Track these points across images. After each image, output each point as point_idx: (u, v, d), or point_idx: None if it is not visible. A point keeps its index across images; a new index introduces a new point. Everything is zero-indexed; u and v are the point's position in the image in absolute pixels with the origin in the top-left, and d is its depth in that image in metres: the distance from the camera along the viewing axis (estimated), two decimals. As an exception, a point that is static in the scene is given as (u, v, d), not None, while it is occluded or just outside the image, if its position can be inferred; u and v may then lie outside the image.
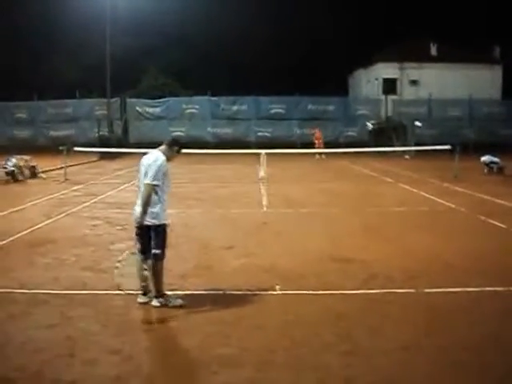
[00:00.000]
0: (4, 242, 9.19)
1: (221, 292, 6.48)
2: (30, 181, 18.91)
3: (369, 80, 46.50)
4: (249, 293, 6.47)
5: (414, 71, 44.24)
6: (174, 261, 7.80)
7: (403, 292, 6.51)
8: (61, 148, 20.42)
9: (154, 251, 5.93)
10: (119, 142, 32.58)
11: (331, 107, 39.46)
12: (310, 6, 51.77)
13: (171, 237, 9.47)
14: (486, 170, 20.68)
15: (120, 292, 6.41)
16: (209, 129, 38.09)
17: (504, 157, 21.90)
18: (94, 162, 28.05)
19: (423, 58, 43.72)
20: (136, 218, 5.98)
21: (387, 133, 35.86)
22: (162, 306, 5.94)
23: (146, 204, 5.83)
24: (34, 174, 19.69)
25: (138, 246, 6.06)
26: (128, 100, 38.46)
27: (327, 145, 31.35)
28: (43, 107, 38.57)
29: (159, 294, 5.99)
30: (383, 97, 39.46)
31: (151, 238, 5.97)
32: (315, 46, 51.11)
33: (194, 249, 8.56)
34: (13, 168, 18.61)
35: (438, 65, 43.26)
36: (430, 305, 6.10)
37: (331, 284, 6.82)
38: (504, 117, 38.36)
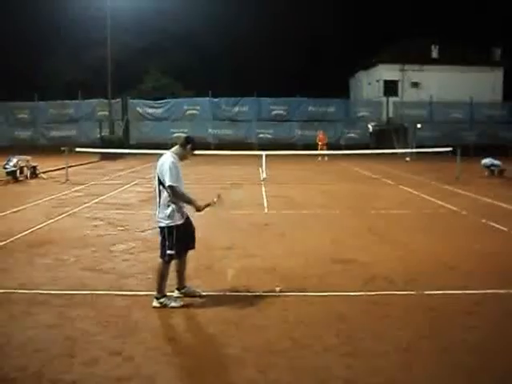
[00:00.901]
0: (4, 242, 9.18)
1: (222, 293, 6.47)
2: (30, 181, 18.93)
3: (370, 82, 46.53)
4: (250, 294, 6.47)
5: (415, 73, 44.29)
6: (174, 261, 7.79)
7: (404, 294, 6.51)
8: (62, 149, 20.42)
9: (168, 252, 5.97)
10: (120, 142, 32.59)
11: (332, 109, 39.46)
12: (311, 8, 51.87)
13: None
14: (486, 173, 20.67)
15: (121, 293, 6.42)
16: (210, 130, 38.09)
17: (505, 159, 21.93)
18: (95, 162, 28.06)
19: (424, 60, 43.78)
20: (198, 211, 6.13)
21: (388, 135, 35.89)
22: (162, 306, 5.94)
23: (182, 198, 5.97)
24: (34, 174, 19.70)
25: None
26: (129, 101, 38.48)
27: (328, 147, 31.34)
28: (44, 108, 38.59)
29: (160, 295, 5.99)
30: (384, 99, 39.48)
31: (163, 238, 6.01)
32: (316, 48, 51.22)
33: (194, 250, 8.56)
34: (14, 168, 18.62)
35: (439, 67, 43.31)
36: (431, 307, 6.09)
37: (332, 285, 6.81)
38: (505, 119, 38.36)
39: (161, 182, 5.94)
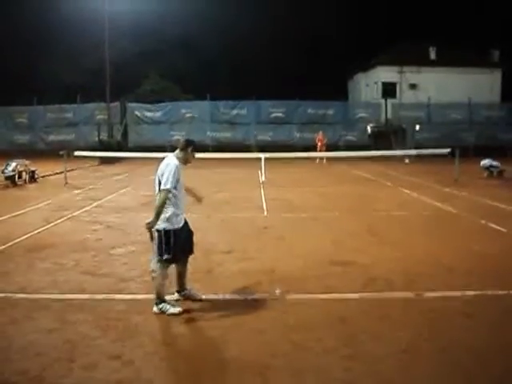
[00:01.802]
0: (4, 246, 9.19)
1: (221, 296, 6.47)
2: (29, 185, 18.94)
3: (368, 84, 46.59)
4: (249, 297, 6.47)
5: (413, 75, 44.34)
6: (173, 265, 7.80)
7: (403, 295, 6.52)
8: (61, 152, 20.43)
9: (166, 257, 5.91)
10: (119, 146, 32.60)
11: (331, 111, 39.47)
12: (310, 10, 51.93)
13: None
14: (485, 174, 20.69)
15: (120, 296, 6.42)
16: (208, 133, 38.09)
17: (504, 160, 21.95)
18: (94, 166, 28.08)
19: (422, 61, 43.85)
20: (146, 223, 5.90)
21: (387, 136, 35.91)
22: (161, 313, 5.94)
23: (159, 208, 5.79)
24: (33, 178, 19.71)
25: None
26: (128, 104, 38.49)
27: (327, 148, 31.35)
28: (43, 112, 38.55)
29: (159, 300, 5.99)
30: (383, 100, 39.53)
31: (159, 242, 5.93)
32: (315, 50, 51.29)
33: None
34: (12, 172, 18.62)
35: (437, 69, 43.37)
36: (430, 308, 6.10)
37: (332, 287, 6.81)
38: (503, 120, 38.37)
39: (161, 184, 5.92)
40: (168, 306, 5.96)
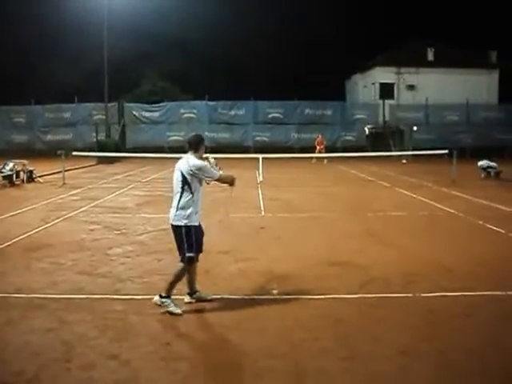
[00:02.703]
0: (1, 246, 9.16)
1: (219, 296, 6.46)
2: (27, 185, 18.90)
3: (366, 85, 46.65)
4: (247, 297, 6.46)
5: (410, 76, 44.44)
6: (172, 265, 7.78)
7: (402, 296, 6.50)
8: (58, 152, 20.39)
9: (188, 255, 5.95)
10: (117, 146, 32.57)
11: (329, 112, 39.54)
12: (309, 12, 52.01)
13: (169, 241, 9.48)
14: (483, 175, 20.71)
15: (118, 297, 6.41)
16: (206, 133, 38.04)
17: (501, 161, 21.98)
18: (92, 166, 28.04)
19: (420, 62, 43.94)
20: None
21: (384, 137, 35.95)
22: (161, 306, 5.91)
23: (226, 179, 6.43)
24: (31, 178, 19.67)
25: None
26: (126, 104, 38.46)
27: (326, 149, 31.37)
28: (41, 112, 38.56)
29: (166, 295, 5.96)
30: (380, 101, 39.58)
31: (181, 239, 5.99)
32: (313, 51, 51.38)
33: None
34: (10, 172, 18.59)
35: (435, 70, 43.46)
36: (429, 309, 6.09)
37: (330, 288, 6.80)
38: (501, 121, 38.49)
39: (186, 183, 5.94)
40: (172, 304, 5.93)
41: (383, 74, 43.90)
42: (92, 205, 14.14)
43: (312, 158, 29.73)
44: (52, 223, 11.41)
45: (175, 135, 37.19)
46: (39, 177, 20.19)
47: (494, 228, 10.75)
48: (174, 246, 9.03)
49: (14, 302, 6.31)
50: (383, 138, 36.30)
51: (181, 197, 5.98)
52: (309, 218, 12.29)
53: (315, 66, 50.64)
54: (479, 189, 17.18)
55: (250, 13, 49.43)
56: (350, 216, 12.49)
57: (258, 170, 20.76)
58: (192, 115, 38.74)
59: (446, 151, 21.48)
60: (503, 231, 10.43)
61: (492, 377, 4.54)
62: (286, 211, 13.16)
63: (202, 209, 6.26)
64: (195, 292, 6.28)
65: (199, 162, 6.00)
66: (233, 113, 39.06)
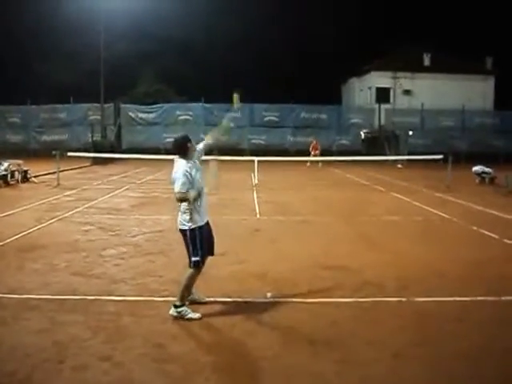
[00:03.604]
0: (-5, 246, 9.14)
1: (212, 299, 6.45)
2: (21, 185, 18.85)
3: (362, 89, 46.76)
4: (240, 300, 6.46)
5: (406, 81, 44.56)
6: (165, 267, 7.80)
7: (395, 300, 6.52)
8: (53, 153, 20.35)
9: (193, 259, 5.94)
10: (112, 147, 32.53)
11: (324, 115, 39.60)
12: (305, 15, 52.09)
13: (163, 243, 9.51)
14: (477, 180, 20.80)
15: (111, 298, 6.40)
16: (202, 135, 37.81)
17: (495, 167, 22.05)
18: (87, 167, 27.98)
19: (416, 67, 44.07)
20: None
21: (380, 142, 36.04)
22: (179, 316, 5.84)
23: (192, 197, 5.81)
24: (26, 178, 19.62)
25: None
26: (122, 105, 38.41)
27: (321, 153, 31.39)
28: (36, 112, 38.46)
29: (180, 303, 5.89)
30: (376, 106, 39.68)
31: (186, 243, 5.99)
32: (309, 55, 51.41)
33: (185, 255, 8.53)
34: (5, 172, 18.54)
35: (431, 75, 43.59)
36: (422, 313, 6.11)
37: (323, 291, 6.81)
38: (496, 127, 38.66)
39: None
40: (188, 311, 5.87)
41: (379, 79, 44.06)
42: (86, 206, 14.12)
43: (307, 161, 29.75)
44: (46, 224, 11.38)
45: (171, 137, 37.04)
46: (34, 177, 20.14)
47: (488, 233, 10.79)
48: (167, 247, 9.16)
49: (6, 303, 6.29)
50: (379, 142, 36.39)
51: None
52: (303, 221, 12.31)
53: (311, 69, 50.73)
54: (474, 194, 17.24)
55: (247, 16, 49.50)
56: (344, 220, 12.51)
57: (254, 172, 20.78)
58: (188, 117, 38.72)
59: (441, 156, 21.55)
60: (497, 237, 10.47)
61: (484, 381, 4.56)
62: (281, 214, 13.18)
63: (208, 205, 6.21)
64: (190, 294, 6.27)
65: (181, 172, 5.86)
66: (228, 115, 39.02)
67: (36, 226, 11.09)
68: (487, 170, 20.91)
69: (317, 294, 6.72)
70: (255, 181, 19.93)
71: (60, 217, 12.28)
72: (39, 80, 41.73)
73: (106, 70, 33.92)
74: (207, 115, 38.66)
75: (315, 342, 5.25)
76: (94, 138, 33.73)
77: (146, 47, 45.81)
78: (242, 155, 30.23)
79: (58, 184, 18.72)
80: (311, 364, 4.79)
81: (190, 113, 38.83)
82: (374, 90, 41.77)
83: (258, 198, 16.03)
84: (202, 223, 5.99)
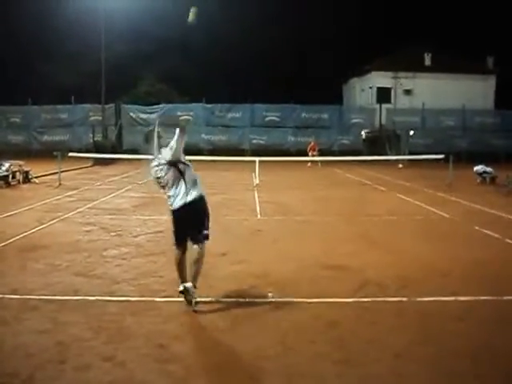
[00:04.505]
0: (-4, 246, 9.15)
1: (214, 299, 6.46)
2: (23, 186, 18.86)
3: (363, 89, 46.78)
4: (242, 300, 6.46)
5: (407, 81, 44.60)
6: (166, 267, 7.79)
7: (396, 300, 6.52)
8: (55, 153, 20.37)
9: (205, 232, 6.15)
10: (113, 147, 32.55)
11: (325, 115, 39.63)
12: (306, 15, 52.07)
13: (164, 243, 9.50)
14: (478, 180, 20.78)
15: (113, 298, 6.40)
16: (203, 135, 38.08)
17: (496, 167, 22.03)
18: (88, 167, 27.99)
19: (417, 67, 44.11)
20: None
21: (381, 141, 36.03)
22: (188, 294, 5.96)
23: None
24: (27, 179, 19.64)
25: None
26: (123, 106, 38.44)
27: (321, 153, 31.39)
28: (38, 112, 38.50)
29: (195, 284, 6.04)
30: (377, 105, 39.67)
31: (204, 214, 6.15)
32: (310, 55, 51.45)
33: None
34: (6, 173, 18.55)
35: (432, 74, 43.63)
36: (423, 313, 6.11)
37: (324, 291, 6.81)
38: (497, 127, 38.64)
39: (179, 170, 6.06)
40: (196, 296, 6.01)
41: (380, 79, 44.07)
42: (88, 206, 14.13)
43: (308, 161, 29.75)
44: (48, 224, 11.39)
45: (171, 137, 37.15)
46: (35, 177, 20.14)
47: (490, 233, 10.78)
48: (167, 247, 9.09)
49: (8, 303, 6.29)
50: (380, 142, 36.38)
51: (185, 180, 6.07)
52: (304, 221, 12.31)
53: (312, 69, 50.73)
54: (475, 194, 17.23)
55: (248, 16, 49.51)
56: (345, 219, 12.51)
57: (255, 172, 20.78)
58: (189, 117, 38.69)
59: (442, 156, 21.54)
60: (499, 236, 10.45)
61: (485, 380, 4.56)
62: (282, 214, 13.18)
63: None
64: (183, 282, 6.15)
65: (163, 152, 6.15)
66: (230, 115, 39.10)
67: (37, 226, 11.10)
68: (488, 169, 20.88)
69: (318, 293, 6.72)
70: (256, 181, 19.93)
71: (61, 217, 12.29)
72: (40, 80, 41.80)
73: (107, 70, 33.94)
74: (208, 115, 38.73)
75: (316, 342, 5.25)
76: (95, 139, 33.75)
77: (146, 48, 45.89)
78: (243, 155, 30.28)
79: (60, 184, 18.74)
80: (312, 364, 4.79)
81: (191, 113, 38.76)
82: (374, 90, 41.74)
83: (259, 198, 16.04)
84: (173, 207, 6.06)
